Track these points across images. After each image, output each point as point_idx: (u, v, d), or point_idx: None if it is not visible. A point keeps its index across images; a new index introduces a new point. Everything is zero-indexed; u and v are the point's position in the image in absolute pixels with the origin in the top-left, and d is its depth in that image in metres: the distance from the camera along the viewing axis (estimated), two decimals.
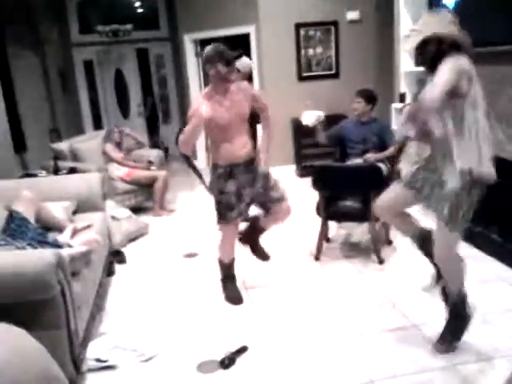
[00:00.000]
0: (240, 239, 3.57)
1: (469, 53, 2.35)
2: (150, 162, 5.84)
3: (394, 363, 2.58)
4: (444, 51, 2.32)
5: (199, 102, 3.07)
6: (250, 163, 3.23)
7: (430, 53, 2.37)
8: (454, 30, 2.36)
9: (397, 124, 4.91)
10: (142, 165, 5.79)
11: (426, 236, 2.68)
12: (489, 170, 2.42)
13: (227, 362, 2.64)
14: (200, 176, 3.45)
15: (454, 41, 2.33)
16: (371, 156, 4.10)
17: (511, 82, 3.33)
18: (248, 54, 6.58)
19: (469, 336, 2.64)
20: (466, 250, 3.82)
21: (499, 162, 3.49)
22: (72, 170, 4.84)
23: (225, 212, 3.18)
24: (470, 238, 3.86)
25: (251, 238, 3.55)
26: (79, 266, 2.82)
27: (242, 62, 4.53)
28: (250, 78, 4.84)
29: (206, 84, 7.40)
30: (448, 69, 2.25)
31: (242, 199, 3.19)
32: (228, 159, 3.14)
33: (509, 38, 3.21)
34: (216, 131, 3.11)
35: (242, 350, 2.74)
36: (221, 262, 3.42)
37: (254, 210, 3.59)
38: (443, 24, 2.36)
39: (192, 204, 5.80)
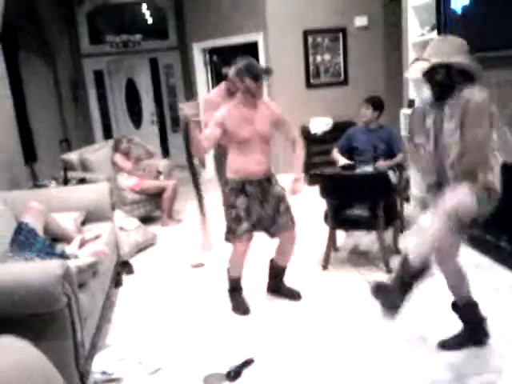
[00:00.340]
0: (267, 289, 3.57)
1: (480, 80, 2.32)
2: (159, 172, 5.86)
3: (404, 374, 2.54)
4: (453, 81, 2.27)
5: (224, 113, 3.10)
6: (264, 182, 3.23)
7: (439, 82, 2.31)
8: (464, 57, 2.30)
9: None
10: (151, 175, 5.80)
11: None
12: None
13: (233, 375, 2.61)
14: (200, 196, 3.42)
15: (463, 69, 2.27)
16: (383, 163, 4.09)
17: None
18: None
19: (480, 347, 2.60)
20: (476, 258, 3.78)
21: (509, 169, 3.47)
22: (81, 181, 4.87)
23: (234, 226, 3.16)
24: (481, 246, 3.82)
25: (275, 284, 3.53)
26: (86, 278, 2.82)
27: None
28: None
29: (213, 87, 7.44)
30: (479, 118, 2.21)
31: (251, 216, 3.18)
32: (242, 174, 3.14)
33: None
34: (235, 143, 3.13)
35: (248, 362, 2.72)
36: (229, 274, 3.40)
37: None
38: (452, 52, 2.29)
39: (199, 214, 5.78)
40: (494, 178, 2.35)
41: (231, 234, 3.21)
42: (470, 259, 3.73)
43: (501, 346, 2.68)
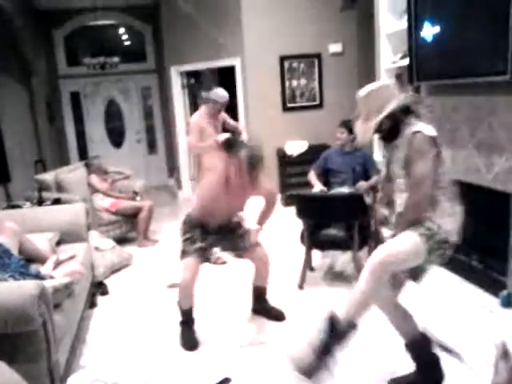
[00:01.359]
0: (252, 310, 3.58)
1: (417, 111, 2.40)
2: (135, 193, 5.85)
3: None
4: (398, 119, 2.33)
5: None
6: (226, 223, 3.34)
7: (387, 129, 2.35)
8: (397, 98, 2.32)
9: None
10: (127, 195, 5.79)
11: None
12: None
13: None
14: None
15: (403, 107, 2.33)
16: (363, 184, 4.18)
17: (490, 111, 3.42)
18: (233, 86, 6.70)
19: (452, 365, 2.65)
20: (448, 277, 3.87)
21: (479, 191, 3.60)
22: (56, 201, 4.83)
23: (186, 246, 3.22)
24: (452, 265, 3.91)
25: (259, 304, 3.55)
26: (61, 298, 2.79)
27: (217, 93, 4.70)
28: (226, 109, 5.00)
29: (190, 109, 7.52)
30: (418, 155, 2.21)
31: (206, 240, 3.25)
32: (206, 217, 3.26)
33: (485, 69, 3.32)
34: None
35: (225, 381, 2.71)
36: (180, 307, 3.28)
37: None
38: (386, 100, 2.31)
39: (176, 234, 5.76)
40: (446, 224, 2.26)
41: (184, 254, 3.23)
42: (442, 278, 3.81)
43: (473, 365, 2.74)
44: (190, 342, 3.21)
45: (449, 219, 2.25)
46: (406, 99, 2.35)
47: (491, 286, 3.55)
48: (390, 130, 2.35)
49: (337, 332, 2.25)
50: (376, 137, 2.48)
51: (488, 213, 3.65)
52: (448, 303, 3.44)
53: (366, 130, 2.37)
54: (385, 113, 2.28)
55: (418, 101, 2.47)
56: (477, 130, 3.59)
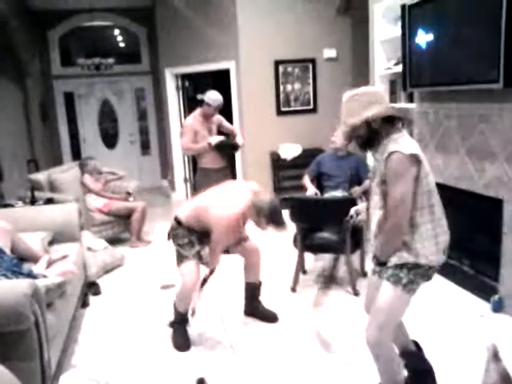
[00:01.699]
0: (244, 312, 3.59)
1: (401, 121, 2.29)
2: (129, 194, 5.84)
3: None
4: (377, 130, 2.22)
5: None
6: None
7: (364, 137, 2.26)
8: (379, 107, 2.20)
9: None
10: (120, 196, 5.79)
11: None
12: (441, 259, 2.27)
13: None
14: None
15: (383, 117, 2.22)
16: (357, 189, 4.21)
17: (482, 118, 3.47)
18: (228, 89, 6.72)
19: (444, 369, 2.67)
20: (439, 282, 3.90)
21: (471, 197, 3.64)
22: (49, 201, 4.81)
23: (185, 250, 3.18)
24: (443, 270, 3.94)
25: (252, 306, 3.55)
26: (54, 297, 2.79)
27: (211, 96, 4.73)
28: (220, 112, 5.03)
29: (184, 111, 7.53)
30: (396, 177, 2.11)
31: (204, 242, 3.22)
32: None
33: (477, 77, 3.36)
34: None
35: (200, 382, 2.69)
36: (176, 310, 3.29)
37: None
38: (365, 106, 2.20)
39: None
40: (424, 249, 2.17)
41: (182, 259, 3.20)
42: (433, 283, 3.84)
43: (461, 367, 2.76)
44: (182, 342, 3.21)
45: (427, 243, 2.17)
46: (387, 110, 2.22)
47: (482, 291, 3.58)
48: (367, 139, 2.26)
49: None
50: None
51: (480, 219, 3.69)
52: (439, 308, 3.47)
53: (340, 134, 2.31)
54: (357, 119, 2.19)
55: (402, 115, 2.34)
56: (469, 137, 3.63)
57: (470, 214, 3.74)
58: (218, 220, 3.03)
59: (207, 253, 3.23)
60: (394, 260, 2.21)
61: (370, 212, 2.35)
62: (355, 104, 2.22)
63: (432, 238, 2.17)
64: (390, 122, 2.23)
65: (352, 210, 3.28)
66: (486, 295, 3.52)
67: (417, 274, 2.19)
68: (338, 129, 4.38)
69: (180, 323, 3.28)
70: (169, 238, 3.33)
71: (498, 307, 3.38)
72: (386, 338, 2.27)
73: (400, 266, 2.20)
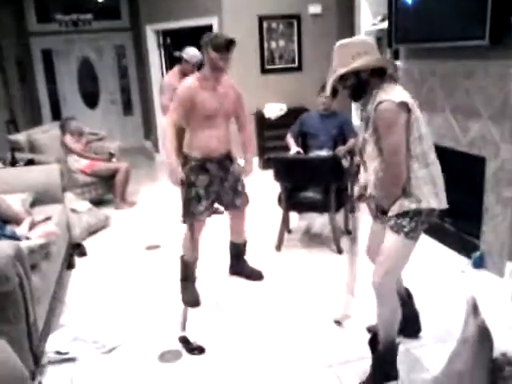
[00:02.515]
0: (230, 270, 3.60)
1: (394, 76, 2.27)
2: (111, 154, 5.76)
3: (350, 349, 2.66)
4: (367, 80, 2.20)
5: (189, 84, 3.03)
6: (224, 159, 3.23)
7: (352, 86, 2.24)
8: (370, 57, 2.18)
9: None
10: (102, 157, 5.71)
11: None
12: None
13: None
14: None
15: (373, 68, 2.19)
16: (341, 149, 4.20)
17: (467, 76, 3.44)
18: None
19: (426, 321, 2.74)
20: (422, 239, 3.96)
21: (454, 155, 3.66)
22: (30, 162, 4.74)
23: (193, 206, 3.13)
24: (427, 229, 4.00)
25: (237, 265, 3.56)
26: (38, 259, 2.78)
27: (188, 52, 4.63)
28: (198, 69, 4.90)
29: (167, 70, 7.35)
30: (388, 127, 2.11)
31: (210, 195, 3.18)
32: (202, 151, 3.09)
33: (463, 33, 3.32)
34: (199, 119, 3.04)
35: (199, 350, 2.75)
36: (183, 261, 3.32)
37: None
38: (355, 55, 2.17)
39: (154, 196, 5.77)
40: (423, 195, 2.20)
41: (189, 214, 3.17)
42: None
43: (446, 320, 2.84)
44: (192, 298, 3.23)
45: (425, 187, 2.20)
46: (378, 61, 2.21)
47: (464, 248, 3.66)
48: (356, 89, 2.25)
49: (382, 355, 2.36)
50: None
51: (463, 177, 3.72)
52: (422, 265, 3.54)
53: (330, 83, 2.26)
54: (348, 68, 2.17)
55: (393, 66, 2.30)
56: (453, 95, 3.62)
57: (453, 173, 3.76)
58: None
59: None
60: (395, 209, 2.24)
61: (365, 164, 2.37)
62: (345, 53, 2.20)
63: (429, 183, 2.21)
64: (380, 73, 2.22)
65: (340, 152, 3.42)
66: (467, 252, 3.59)
67: (418, 221, 2.23)
68: (325, 88, 4.33)
69: (187, 279, 3.30)
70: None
71: (478, 263, 3.46)
72: (392, 282, 2.34)
73: (402, 215, 2.23)
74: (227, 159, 3.26)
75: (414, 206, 2.20)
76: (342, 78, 2.22)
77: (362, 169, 2.48)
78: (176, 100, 3.07)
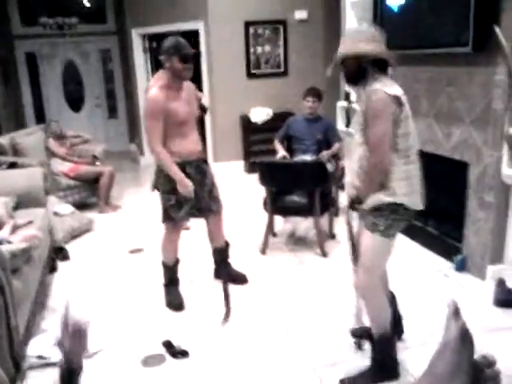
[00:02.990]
0: (214, 275, 3.59)
1: (393, 67, 2.29)
2: (95, 157, 5.72)
3: (334, 352, 2.66)
4: (366, 68, 2.22)
5: (156, 96, 2.94)
6: (201, 163, 3.22)
7: (352, 72, 2.27)
8: (374, 47, 2.20)
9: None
10: (86, 160, 5.67)
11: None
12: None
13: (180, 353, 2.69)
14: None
15: (374, 57, 2.20)
16: (325, 153, 4.23)
17: (449, 82, 3.49)
18: (199, 53, 6.56)
19: (409, 324, 2.75)
20: (405, 243, 4.00)
21: (438, 160, 3.70)
22: (12, 165, 4.68)
23: (174, 212, 3.11)
24: (409, 231, 4.03)
25: (222, 269, 3.51)
26: (19, 263, 2.74)
27: None
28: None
29: (152, 74, 7.32)
30: (375, 116, 2.14)
31: (189, 200, 3.13)
32: (181, 156, 3.06)
33: (447, 41, 3.36)
34: (172, 125, 2.99)
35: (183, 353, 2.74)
36: (165, 265, 3.30)
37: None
38: (361, 41, 2.20)
39: (138, 200, 5.73)
40: (400, 188, 2.21)
41: (170, 220, 3.16)
42: (399, 244, 3.93)
43: (426, 324, 2.86)
44: (176, 301, 3.24)
45: (402, 182, 2.21)
46: (380, 53, 2.21)
47: (447, 251, 3.69)
48: (354, 74, 2.27)
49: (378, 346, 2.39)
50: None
51: (446, 181, 3.77)
52: (405, 268, 3.57)
53: (333, 63, 2.28)
54: (349, 51, 2.20)
55: (394, 61, 2.28)
56: (437, 101, 3.66)
57: (436, 177, 3.80)
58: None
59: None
60: (370, 202, 2.25)
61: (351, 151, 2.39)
62: (353, 38, 2.25)
63: (406, 179, 2.22)
64: (380, 65, 2.24)
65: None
66: (449, 255, 3.63)
67: (394, 219, 2.24)
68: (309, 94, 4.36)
69: (171, 283, 3.30)
70: (153, 189, 3.22)
71: (460, 266, 3.50)
72: (375, 281, 2.34)
73: (378, 213, 2.24)
74: (204, 162, 3.27)
75: (388, 199, 2.21)
76: (344, 61, 2.25)
77: (336, 170, 2.51)
78: (151, 119, 2.95)
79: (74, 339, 1.49)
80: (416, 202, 2.28)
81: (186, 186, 3.01)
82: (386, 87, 2.16)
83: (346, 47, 2.23)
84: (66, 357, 1.47)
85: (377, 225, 2.25)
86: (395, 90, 2.18)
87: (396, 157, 2.20)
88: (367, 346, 2.52)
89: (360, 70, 2.23)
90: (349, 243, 2.55)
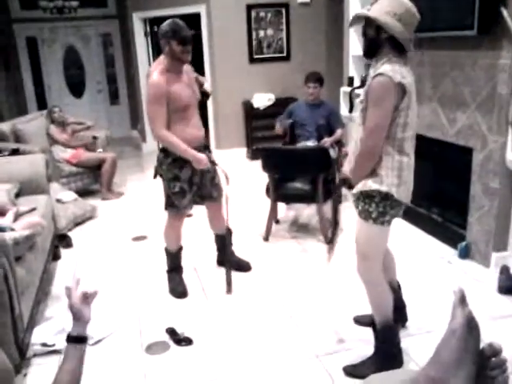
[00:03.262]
0: (217, 262, 3.59)
1: (407, 51, 2.18)
2: (95, 138, 5.71)
3: (337, 340, 2.67)
4: (381, 42, 2.13)
5: (158, 80, 2.89)
6: (204, 148, 3.18)
7: (369, 37, 2.18)
8: (400, 24, 2.08)
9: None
10: (86, 142, 5.65)
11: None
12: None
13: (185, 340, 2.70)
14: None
15: (391, 35, 2.09)
16: (327, 140, 4.21)
17: (454, 66, 3.44)
18: (199, 36, 6.49)
19: (412, 311, 2.75)
20: (409, 230, 3.99)
21: (442, 146, 3.67)
22: (14, 152, 4.66)
23: (177, 199, 3.10)
24: (413, 218, 4.02)
25: (225, 256, 3.50)
26: (23, 250, 2.74)
27: None
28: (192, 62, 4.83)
29: (154, 59, 7.26)
30: (376, 101, 2.08)
31: (192, 187, 3.13)
32: (185, 141, 2.99)
33: (452, 24, 3.31)
34: (175, 110, 2.95)
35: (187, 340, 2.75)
36: (168, 252, 3.31)
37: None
38: (390, 13, 2.07)
39: (141, 187, 5.73)
40: (387, 177, 2.17)
41: (173, 208, 3.15)
42: (403, 231, 3.93)
43: (429, 311, 2.86)
44: (179, 288, 3.25)
45: (391, 172, 2.16)
46: (401, 34, 2.09)
47: (451, 238, 3.68)
48: (371, 42, 2.17)
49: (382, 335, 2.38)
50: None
51: (449, 167, 3.74)
52: (409, 255, 3.56)
53: (357, 16, 2.20)
54: (373, 15, 2.08)
55: (408, 47, 2.16)
56: (441, 85, 3.62)
57: (440, 163, 3.79)
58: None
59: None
60: (359, 186, 2.23)
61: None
62: (388, 4, 2.10)
63: (396, 169, 2.17)
64: (396, 46, 2.13)
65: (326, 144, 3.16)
66: (453, 242, 3.61)
67: (386, 205, 2.21)
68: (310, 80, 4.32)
69: (174, 270, 3.31)
70: (155, 177, 3.19)
71: (464, 254, 3.48)
72: (375, 267, 2.33)
73: (368, 199, 2.21)
74: (206, 148, 3.23)
75: (375, 186, 2.18)
76: (367, 23, 2.16)
77: (340, 156, 2.48)
78: (154, 104, 2.90)
79: (83, 304, 1.53)
80: (402, 195, 2.21)
81: (200, 160, 2.99)
82: (394, 72, 2.06)
83: (377, 10, 2.11)
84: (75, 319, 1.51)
85: (370, 212, 2.23)
86: (403, 76, 2.08)
87: (390, 146, 2.14)
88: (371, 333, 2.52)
89: (375, 40, 2.15)
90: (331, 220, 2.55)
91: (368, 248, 2.32)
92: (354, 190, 2.26)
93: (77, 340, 1.50)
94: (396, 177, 2.17)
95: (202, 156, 3.00)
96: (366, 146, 2.15)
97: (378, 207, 2.21)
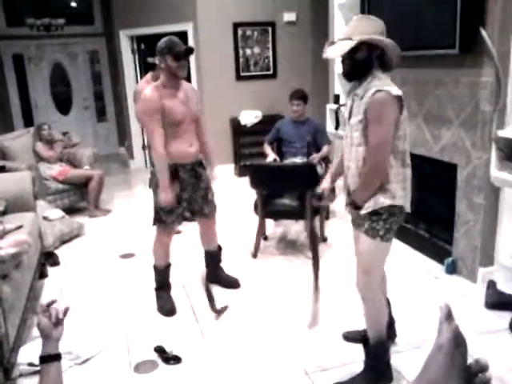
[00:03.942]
0: (206, 278, 3.56)
1: (392, 68, 2.23)
2: (65, 133, 5.78)
3: (326, 356, 2.67)
4: (371, 60, 2.15)
5: (150, 95, 2.92)
6: (196, 166, 3.19)
7: (357, 62, 2.16)
8: (386, 40, 2.15)
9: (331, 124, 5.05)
10: (65, 143, 5.72)
11: None
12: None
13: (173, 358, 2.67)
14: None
15: (383, 50, 2.14)
16: (315, 156, 4.25)
17: (438, 84, 3.51)
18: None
19: (401, 327, 2.77)
20: (396, 245, 4.01)
21: (427, 162, 3.72)
22: (0, 169, 4.63)
23: (165, 215, 3.09)
24: (401, 234, 4.05)
25: (214, 273, 3.52)
26: (9, 268, 2.71)
27: None
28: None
29: (141, 76, 7.29)
30: (379, 118, 2.09)
31: (181, 203, 3.13)
32: (175, 158, 3.02)
33: (434, 43, 3.38)
34: (169, 126, 2.96)
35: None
36: (156, 268, 3.29)
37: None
38: (375, 31, 2.12)
39: (128, 204, 5.71)
40: (396, 190, 2.20)
41: (161, 223, 3.15)
42: (391, 247, 3.95)
43: (418, 327, 2.88)
44: (167, 306, 3.22)
45: (399, 185, 2.20)
46: (392, 50, 2.14)
47: (437, 253, 3.72)
48: (359, 65, 2.17)
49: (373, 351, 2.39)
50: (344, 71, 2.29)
51: (435, 184, 3.79)
52: (396, 270, 3.58)
53: (341, 47, 2.17)
54: (365, 37, 2.09)
55: (397, 60, 2.22)
56: (425, 103, 3.69)
57: (426, 179, 3.84)
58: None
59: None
60: (369, 205, 2.21)
61: (346, 153, 2.33)
62: (368, 24, 2.14)
63: (401, 182, 2.21)
64: (382, 61, 2.19)
65: (319, 190, 3.18)
66: (440, 258, 3.65)
67: (392, 222, 2.23)
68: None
69: (162, 288, 3.28)
70: (150, 186, 3.20)
71: (451, 269, 3.52)
72: (375, 282, 2.35)
73: (375, 217, 2.21)
74: (200, 165, 3.23)
75: (388, 201, 2.19)
76: (354, 48, 2.13)
77: (326, 173, 2.48)
78: (148, 120, 2.93)
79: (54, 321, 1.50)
80: (408, 204, 2.28)
81: (166, 195, 2.98)
82: (390, 86, 2.11)
83: (361, 32, 2.11)
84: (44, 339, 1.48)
85: (377, 230, 2.23)
86: (396, 89, 2.13)
87: (394, 159, 2.18)
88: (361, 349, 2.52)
89: (366, 60, 2.15)
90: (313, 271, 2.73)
91: (372, 264, 2.33)
92: (364, 211, 2.23)
93: (50, 359, 1.46)
94: (401, 189, 2.22)
95: (168, 196, 2.98)
96: (374, 163, 2.16)
97: (385, 224, 2.22)
